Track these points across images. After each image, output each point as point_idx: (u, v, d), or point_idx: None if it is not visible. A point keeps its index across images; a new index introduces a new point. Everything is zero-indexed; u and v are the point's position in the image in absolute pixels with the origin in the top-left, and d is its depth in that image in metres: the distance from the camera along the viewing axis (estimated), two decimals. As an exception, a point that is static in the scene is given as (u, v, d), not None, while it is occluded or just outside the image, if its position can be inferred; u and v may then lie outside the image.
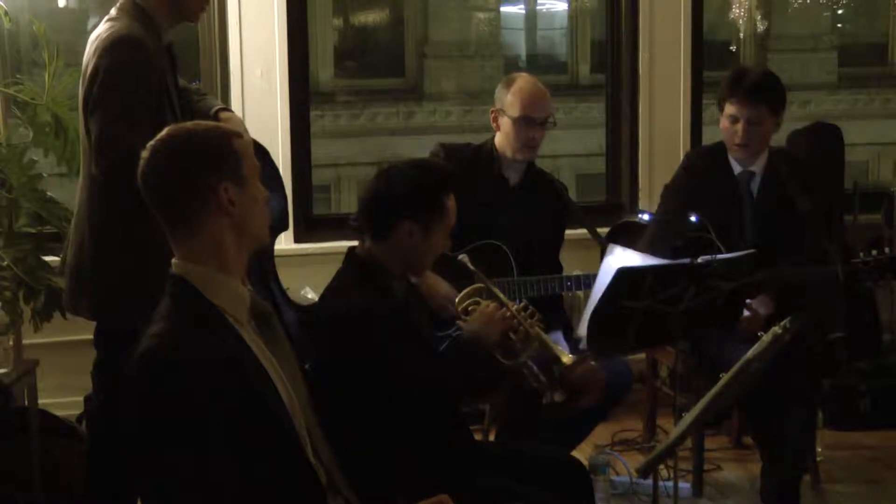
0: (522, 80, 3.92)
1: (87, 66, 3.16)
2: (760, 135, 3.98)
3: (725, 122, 4.01)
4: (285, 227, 4.26)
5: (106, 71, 3.06)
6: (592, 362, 3.23)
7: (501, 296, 3.17)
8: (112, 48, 3.08)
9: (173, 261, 2.30)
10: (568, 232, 4.12)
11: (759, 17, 9.73)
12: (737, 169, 4.06)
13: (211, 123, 2.48)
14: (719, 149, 4.11)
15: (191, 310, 2.24)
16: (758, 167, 4.05)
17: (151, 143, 2.29)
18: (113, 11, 3.24)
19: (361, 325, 2.76)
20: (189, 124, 2.36)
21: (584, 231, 4.12)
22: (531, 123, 3.85)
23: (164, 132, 2.31)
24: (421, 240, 2.90)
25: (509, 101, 3.87)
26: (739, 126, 3.95)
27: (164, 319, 2.23)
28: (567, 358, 3.09)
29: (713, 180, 4.06)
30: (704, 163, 4.14)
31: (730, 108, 3.97)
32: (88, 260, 3.22)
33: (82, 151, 3.29)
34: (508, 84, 3.91)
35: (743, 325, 3.73)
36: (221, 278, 2.28)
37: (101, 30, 3.19)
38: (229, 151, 2.29)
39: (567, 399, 3.21)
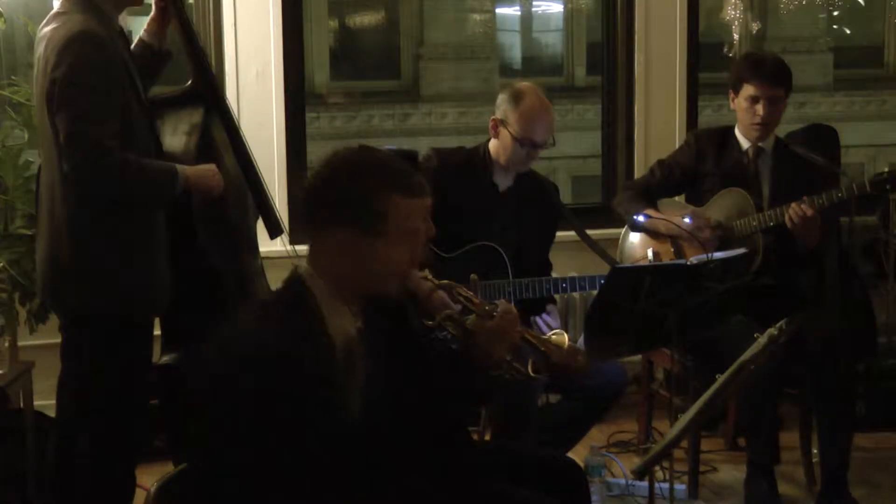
0: (531, 98, 3.77)
1: (44, 63, 3.09)
2: (777, 114, 4.15)
3: (743, 104, 4.14)
4: (280, 232, 4.23)
5: (69, 68, 3.02)
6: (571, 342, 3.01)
7: (474, 299, 2.85)
8: (70, 45, 3.03)
9: (302, 262, 2.29)
10: (562, 234, 4.11)
11: (754, 18, 9.74)
12: (745, 145, 4.20)
13: (398, 173, 2.29)
14: (725, 129, 4.28)
15: (305, 320, 2.22)
16: (766, 144, 4.20)
17: (341, 149, 2.28)
18: (60, 4, 3.20)
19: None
20: (381, 159, 2.31)
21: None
22: (533, 146, 3.79)
23: (356, 148, 2.30)
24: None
25: (515, 118, 3.75)
26: (760, 105, 4.10)
27: (279, 320, 2.21)
28: (557, 344, 2.85)
29: (723, 154, 4.22)
30: (713, 139, 4.27)
31: (749, 90, 4.11)
32: (67, 253, 3.16)
33: (44, 146, 3.19)
34: (516, 99, 3.77)
35: (790, 214, 3.91)
36: (334, 303, 2.26)
37: (53, 25, 3.13)
38: (375, 205, 2.23)
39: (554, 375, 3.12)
